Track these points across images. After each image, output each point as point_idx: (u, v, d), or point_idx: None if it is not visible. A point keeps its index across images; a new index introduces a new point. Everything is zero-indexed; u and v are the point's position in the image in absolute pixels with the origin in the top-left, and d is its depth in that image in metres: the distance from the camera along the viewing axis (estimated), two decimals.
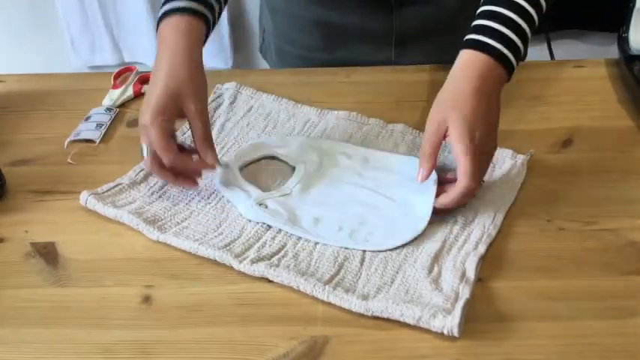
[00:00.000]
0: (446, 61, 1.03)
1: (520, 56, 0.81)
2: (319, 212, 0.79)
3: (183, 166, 0.80)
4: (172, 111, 0.78)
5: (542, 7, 0.82)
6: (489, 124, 0.78)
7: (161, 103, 0.77)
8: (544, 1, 0.82)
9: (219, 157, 0.87)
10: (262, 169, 0.86)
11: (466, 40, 0.81)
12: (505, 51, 0.79)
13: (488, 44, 0.79)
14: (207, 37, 0.87)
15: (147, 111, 0.78)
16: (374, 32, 1.04)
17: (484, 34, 0.80)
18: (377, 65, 1.04)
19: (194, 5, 0.82)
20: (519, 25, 0.80)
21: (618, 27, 1.00)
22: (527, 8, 0.81)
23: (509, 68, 0.80)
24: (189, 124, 0.80)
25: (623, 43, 0.99)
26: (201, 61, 0.83)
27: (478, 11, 0.82)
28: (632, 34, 0.97)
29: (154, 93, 0.78)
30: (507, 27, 0.80)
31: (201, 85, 0.81)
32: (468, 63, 0.79)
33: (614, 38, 1.02)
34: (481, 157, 0.75)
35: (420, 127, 0.90)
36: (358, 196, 0.81)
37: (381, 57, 1.06)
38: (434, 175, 0.82)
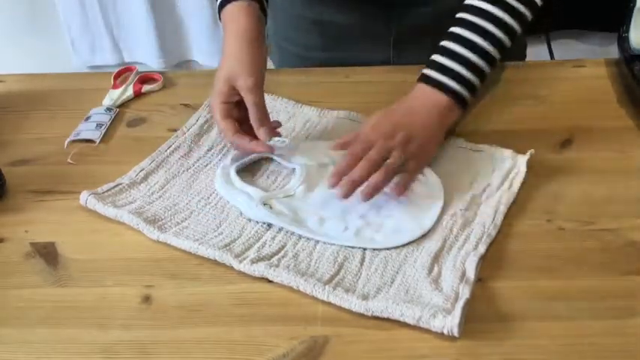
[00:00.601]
0: None
1: (475, 89, 0.86)
2: (324, 213, 0.79)
3: (241, 146, 0.83)
4: (228, 93, 0.83)
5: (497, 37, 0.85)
6: (422, 135, 0.80)
7: (217, 86, 0.83)
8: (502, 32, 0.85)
9: (218, 158, 0.88)
10: (259, 171, 0.86)
11: (421, 74, 0.86)
12: (457, 87, 0.84)
13: (439, 81, 0.84)
14: (265, 12, 0.91)
15: (211, 95, 0.84)
16: (373, 32, 1.05)
17: (438, 71, 0.84)
18: (376, 65, 1.04)
19: None
20: (473, 62, 0.85)
21: (618, 27, 1.00)
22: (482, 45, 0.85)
23: (461, 103, 0.84)
24: (245, 102, 0.83)
25: (623, 43, 0.99)
26: (257, 38, 0.86)
27: (439, 44, 0.87)
28: (632, 34, 0.97)
29: (216, 77, 0.84)
30: (460, 64, 0.84)
31: (253, 62, 0.84)
32: (419, 97, 0.84)
33: (614, 38, 1.02)
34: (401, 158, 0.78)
35: None
36: None
37: (380, 57, 1.07)
38: (436, 179, 0.82)
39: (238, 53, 0.83)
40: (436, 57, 0.85)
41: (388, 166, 0.77)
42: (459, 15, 0.87)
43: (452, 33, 0.86)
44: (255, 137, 0.82)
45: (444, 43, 0.86)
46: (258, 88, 0.83)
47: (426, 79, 0.84)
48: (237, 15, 0.86)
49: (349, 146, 0.79)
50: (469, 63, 0.84)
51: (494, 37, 0.85)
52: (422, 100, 0.83)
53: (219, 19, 0.89)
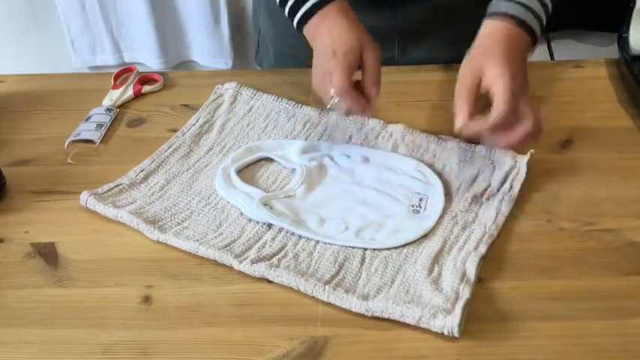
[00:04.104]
0: (449, 58, 1.02)
1: (542, 26, 0.85)
2: (324, 213, 0.79)
3: (349, 99, 0.82)
4: (354, 62, 0.83)
5: None
6: (523, 76, 0.80)
7: (341, 57, 0.82)
8: None
9: (218, 159, 0.88)
10: (260, 171, 0.86)
11: (489, 13, 0.84)
12: (527, 19, 0.82)
13: (510, 14, 0.82)
14: None
15: (328, 59, 0.83)
16: (377, 31, 1.04)
17: (505, 6, 0.83)
18: (382, 65, 1.04)
19: None
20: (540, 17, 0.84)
21: (618, 27, 1.00)
22: None
23: (532, 36, 0.83)
24: (364, 66, 0.84)
25: (623, 43, 0.99)
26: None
27: None
28: (632, 34, 0.97)
29: (328, 52, 0.83)
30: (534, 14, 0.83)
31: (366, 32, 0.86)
32: (492, 30, 0.83)
33: (614, 38, 1.02)
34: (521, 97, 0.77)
35: (420, 127, 0.90)
36: (362, 196, 0.81)
37: (385, 56, 1.06)
38: (436, 179, 0.82)
39: (354, 25, 0.85)
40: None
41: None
42: None
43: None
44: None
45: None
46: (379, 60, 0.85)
47: (518, 22, 0.83)
48: (335, 11, 0.87)
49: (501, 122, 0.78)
50: (539, 16, 0.85)
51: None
52: (517, 43, 0.83)
53: (302, 26, 0.89)
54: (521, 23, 0.83)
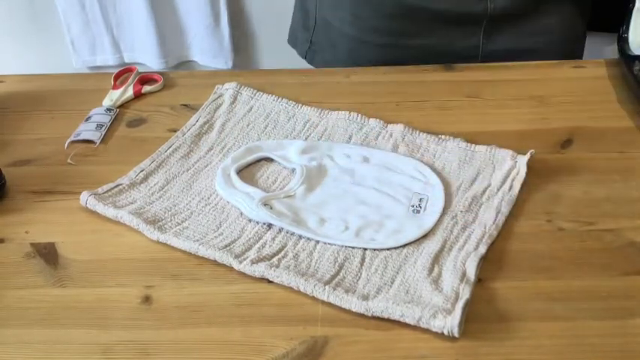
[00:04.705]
0: (530, 48, 1.00)
1: None
2: (324, 213, 0.79)
3: None
4: None
5: None
6: None
7: None
8: None
9: (218, 159, 0.88)
10: (259, 171, 0.86)
11: None
12: None
13: None
14: None
15: None
16: (465, 16, 1.03)
17: None
18: (463, 52, 1.02)
19: None
20: None
21: (618, 27, 1.00)
22: None
23: None
24: None
25: (623, 43, 0.99)
26: None
27: None
28: (632, 34, 0.97)
29: None
30: None
31: None
32: None
33: (614, 38, 1.02)
34: None
35: (420, 127, 0.90)
36: (362, 196, 0.81)
37: (468, 43, 1.05)
38: (436, 179, 0.82)
39: None
40: None
41: None
42: None
43: None
44: None
45: None
46: None
47: None
48: None
49: None
50: None
51: None
52: None
53: None
54: None
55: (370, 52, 1.10)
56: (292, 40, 1.24)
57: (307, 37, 1.18)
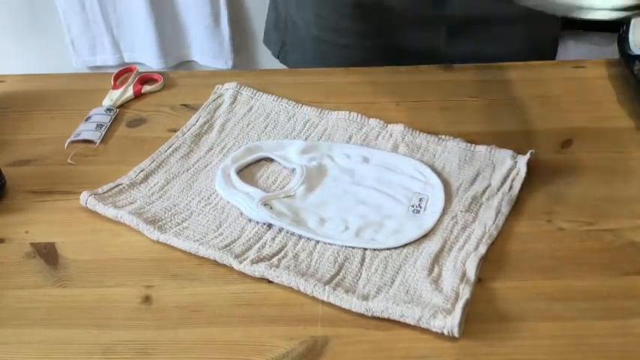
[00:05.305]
0: (495, 54, 1.00)
1: None
2: (324, 213, 0.79)
3: None
4: None
5: None
6: None
7: None
8: None
9: (218, 159, 0.88)
10: (259, 171, 0.86)
11: None
12: None
13: None
14: None
15: None
16: (428, 19, 1.02)
17: None
18: (426, 54, 1.02)
19: None
20: None
21: (618, 27, 1.00)
22: None
23: None
24: None
25: (623, 43, 0.99)
26: None
27: None
28: (632, 34, 0.97)
29: None
30: None
31: None
32: None
33: (614, 38, 1.02)
34: None
35: (420, 127, 0.90)
36: (362, 196, 0.81)
37: (431, 45, 1.04)
38: (436, 179, 0.82)
39: None
40: None
41: None
42: None
43: None
44: None
45: None
46: None
47: None
48: None
49: None
50: None
51: None
52: None
53: None
54: None
55: (333, 52, 1.09)
56: (266, 40, 1.24)
57: (279, 37, 1.18)
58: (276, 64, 1.22)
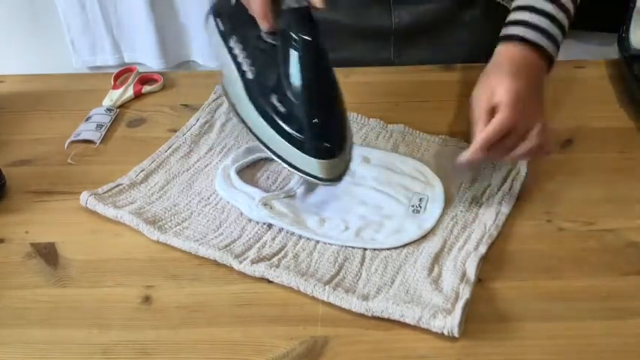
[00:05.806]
0: (444, 60, 1.02)
1: (557, 45, 0.83)
2: (324, 213, 0.79)
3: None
4: None
5: None
6: (535, 92, 0.78)
7: None
8: None
9: (218, 159, 0.88)
10: (259, 171, 0.86)
11: (502, 36, 0.83)
12: (540, 41, 0.80)
13: (520, 36, 0.81)
14: None
15: None
16: (373, 31, 1.04)
17: (517, 27, 0.81)
18: (376, 65, 1.04)
19: None
20: (553, 16, 0.82)
21: (618, 27, 1.00)
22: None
23: (547, 58, 0.82)
24: None
25: (623, 43, 0.99)
26: None
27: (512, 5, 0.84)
28: (632, 34, 0.97)
29: None
30: (541, 16, 0.81)
31: None
32: (505, 54, 0.81)
33: (614, 38, 1.02)
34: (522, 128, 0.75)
35: (420, 127, 0.90)
36: (362, 196, 0.81)
37: (380, 56, 1.06)
38: (436, 179, 0.82)
39: None
40: (526, 25, 0.82)
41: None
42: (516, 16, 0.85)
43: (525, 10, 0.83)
44: None
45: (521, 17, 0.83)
46: None
47: (533, 46, 0.82)
48: None
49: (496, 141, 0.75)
50: (553, 37, 0.84)
51: (559, 23, 0.84)
52: (532, 65, 0.81)
53: None
54: (536, 47, 0.81)
55: None
56: None
57: None
58: None
